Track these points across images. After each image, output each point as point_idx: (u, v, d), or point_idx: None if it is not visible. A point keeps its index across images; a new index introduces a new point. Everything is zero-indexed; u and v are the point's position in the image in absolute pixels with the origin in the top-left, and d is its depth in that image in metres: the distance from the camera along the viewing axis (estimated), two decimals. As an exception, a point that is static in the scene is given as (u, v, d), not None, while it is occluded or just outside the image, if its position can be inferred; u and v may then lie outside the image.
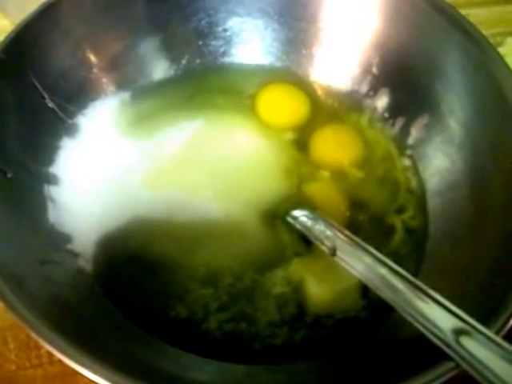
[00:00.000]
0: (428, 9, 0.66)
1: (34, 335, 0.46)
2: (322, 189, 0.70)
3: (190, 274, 0.63)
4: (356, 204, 0.69)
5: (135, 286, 0.63)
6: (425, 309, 0.49)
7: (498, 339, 0.45)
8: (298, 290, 0.63)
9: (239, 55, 0.80)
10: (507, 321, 0.48)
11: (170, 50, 0.78)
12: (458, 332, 0.46)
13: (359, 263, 0.56)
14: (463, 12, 0.66)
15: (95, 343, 0.50)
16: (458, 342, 0.46)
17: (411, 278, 0.52)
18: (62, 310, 0.54)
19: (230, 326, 0.61)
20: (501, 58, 0.62)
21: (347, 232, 0.59)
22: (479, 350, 0.45)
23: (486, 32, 0.64)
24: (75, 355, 0.45)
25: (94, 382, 0.45)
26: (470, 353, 0.45)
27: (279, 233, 0.66)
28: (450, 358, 0.46)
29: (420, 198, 0.70)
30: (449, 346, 0.46)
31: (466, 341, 0.46)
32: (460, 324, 0.47)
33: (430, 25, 0.67)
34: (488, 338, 0.45)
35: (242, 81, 0.79)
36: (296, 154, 0.72)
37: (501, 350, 0.44)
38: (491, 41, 0.63)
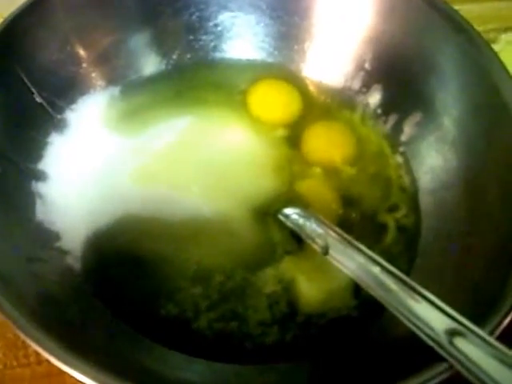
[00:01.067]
0: (421, 4, 0.66)
1: (21, 334, 0.46)
2: (313, 186, 0.69)
3: (179, 273, 0.63)
4: (348, 202, 0.68)
5: (124, 285, 0.62)
6: (417, 308, 0.49)
7: (492, 340, 0.45)
8: (289, 288, 0.62)
9: (230, 50, 0.80)
10: (501, 321, 0.47)
11: (161, 44, 0.77)
12: (452, 332, 0.46)
13: (351, 262, 0.55)
14: (456, 7, 0.66)
15: (83, 342, 0.50)
16: (451, 342, 0.45)
17: (404, 277, 0.52)
18: (49, 308, 0.54)
19: (221, 325, 0.61)
20: (495, 55, 0.62)
21: (339, 230, 0.59)
22: (473, 351, 0.44)
23: (479, 28, 0.64)
24: (62, 355, 0.45)
25: (81, 381, 0.44)
26: (463, 354, 0.44)
27: (270, 231, 0.65)
28: (443, 359, 0.45)
29: (413, 196, 0.69)
30: (442, 346, 0.46)
31: (459, 342, 0.45)
32: (453, 324, 0.46)
33: (424, 20, 0.67)
34: (482, 338, 0.45)
35: (233, 76, 0.79)
36: (288, 150, 0.72)
37: (495, 351, 0.44)
38: (485, 37, 0.63)
